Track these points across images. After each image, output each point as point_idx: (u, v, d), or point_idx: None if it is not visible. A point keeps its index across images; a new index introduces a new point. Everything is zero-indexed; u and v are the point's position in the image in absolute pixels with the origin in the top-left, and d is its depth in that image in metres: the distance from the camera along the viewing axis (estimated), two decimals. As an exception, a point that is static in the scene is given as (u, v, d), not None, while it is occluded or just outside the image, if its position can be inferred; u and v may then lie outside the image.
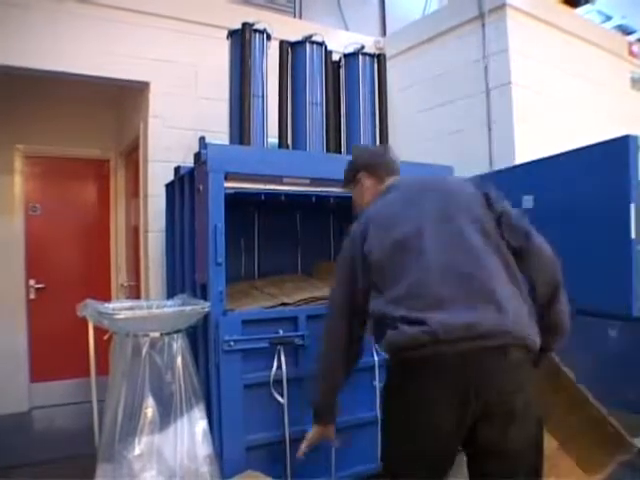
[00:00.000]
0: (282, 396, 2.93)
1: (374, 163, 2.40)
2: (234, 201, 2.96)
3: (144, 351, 2.56)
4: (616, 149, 2.39)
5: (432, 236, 1.95)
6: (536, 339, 1.86)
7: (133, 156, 5.00)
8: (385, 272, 2.01)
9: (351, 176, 2.46)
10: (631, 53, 5.54)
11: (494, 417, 1.78)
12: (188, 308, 2.77)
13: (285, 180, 3.09)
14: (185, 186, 3.31)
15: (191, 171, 3.20)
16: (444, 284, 1.86)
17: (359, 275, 2.12)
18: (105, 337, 2.77)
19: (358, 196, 2.45)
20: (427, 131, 4.89)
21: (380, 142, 3.81)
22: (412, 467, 1.88)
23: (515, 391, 1.80)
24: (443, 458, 1.90)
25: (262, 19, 3.50)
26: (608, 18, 6.34)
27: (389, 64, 4.14)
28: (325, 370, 2.34)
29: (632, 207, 2.30)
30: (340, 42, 3.99)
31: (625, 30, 6.22)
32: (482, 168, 4.10)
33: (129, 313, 2.62)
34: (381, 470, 2.05)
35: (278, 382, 2.92)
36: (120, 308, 2.71)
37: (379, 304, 1.98)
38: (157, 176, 4.14)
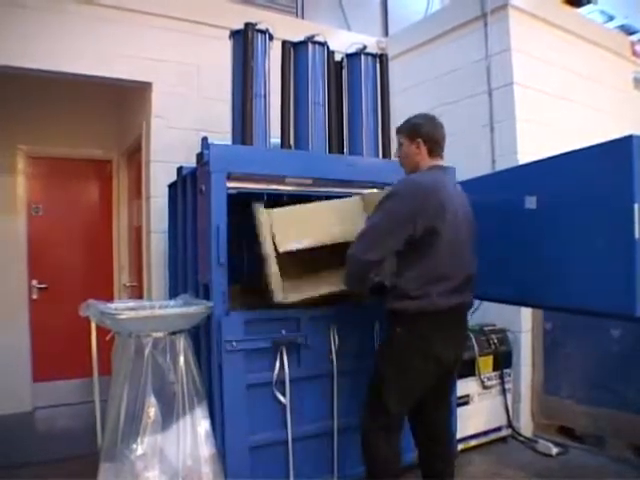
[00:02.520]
0: (284, 396, 2.94)
1: (435, 139, 2.77)
2: (236, 201, 2.96)
3: (147, 351, 2.56)
4: (620, 149, 2.37)
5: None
6: None
7: (135, 156, 5.00)
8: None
9: (412, 134, 2.79)
10: (634, 53, 5.54)
11: None
12: (191, 308, 2.77)
13: (287, 180, 3.09)
14: (187, 186, 3.32)
15: (193, 171, 3.20)
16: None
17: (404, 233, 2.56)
18: (107, 337, 2.77)
19: (411, 156, 2.80)
20: (429, 131, 4.88)
21: (383, 143, 3.79)
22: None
23: None
24: None
25: (264, 19, 3.50)
26: (610, 18, 6.33)
27: (391, 64, 4.14)
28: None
29: (636, 207, 2.29)
30: (342, 42, 3.99)
31: (628, 30, 6.21)
32: (484, 168, 4.11)
33: (132, 313, 2.63)
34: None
35: (280, 382, 2.93)
36: (123, 308, 2.71)
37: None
38: (159, 176, 4.14)
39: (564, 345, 4.09)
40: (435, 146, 2.77)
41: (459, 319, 2.74)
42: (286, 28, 3.95)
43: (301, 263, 3.14)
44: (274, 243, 2.95)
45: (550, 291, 2.81)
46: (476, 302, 3.97)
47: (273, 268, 2.92)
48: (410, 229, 2.53)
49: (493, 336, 4.06)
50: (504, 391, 4.10)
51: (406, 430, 2.84)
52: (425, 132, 2.76)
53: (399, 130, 2.88)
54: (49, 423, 4.84)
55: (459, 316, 2.73)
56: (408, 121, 2.86)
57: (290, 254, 2.98)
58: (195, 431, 2.64)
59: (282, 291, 2.92)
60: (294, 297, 2.97)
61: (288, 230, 3.01)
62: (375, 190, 3.41)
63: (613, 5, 6.37)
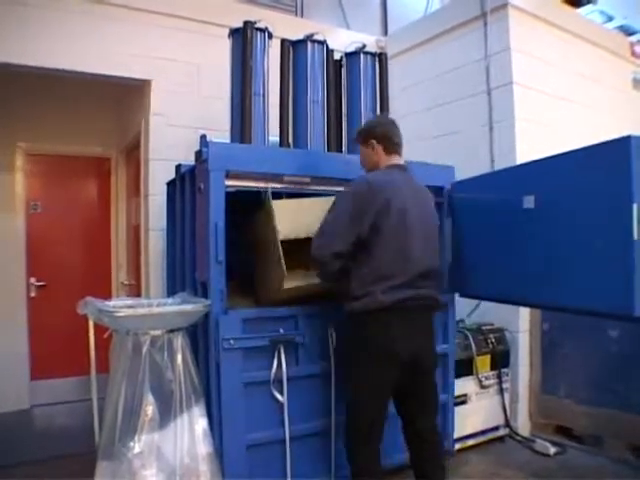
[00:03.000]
0: (282, 395, 2.93)
1: (388, 137, 2.87)
2: (235, 199, 2.96)
3: (144, 349, 2.56)
4: (618, 149, 2.37)
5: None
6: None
7: (134, 154, 5.00)
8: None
9: (365, 138, 2.91)
10: (633, 54, 5.54)
11: None
12: (188, 306, 2.77)
13: (286, 178, 3.09)
14: (186, 184, 3.31)
15: (192, 169, 3.20)
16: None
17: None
18: (105, 335, 2.77)
19: (369, 158, 2.92)
20: (428, 130, 4.89)
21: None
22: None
23: None
24: None
25: (264, 17, 3.50)
26: (610, 18, 6.34)
27: (391, 63, 4.14)
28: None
29: (635, 207, 2.30)
30: (342, 41, 3.99)
31: (627, 30, 6.22)
32: (483, 168, 4.10)
33: (129, 311, 2.62)
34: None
35: (278, 381, 2.93)
36: (121, 306, 2.71)
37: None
38: (158, 174, 4.14)
39: (562, 345, 4.10)
40: (390, 144, 2.86)
41: (414, 315, 2.70)
42: (285, 27, 3.95)
43: (290, 257, 3.13)
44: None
45: (548, 291, 2.81)
46: (474, 302, 3.99)
47: (281, 253, 2.90)
48: (357, 227, 2.62)
49: (491, 336, 4.06)
50: (502, 390, 4.10)
51: (398, 430, 2.88)
52: (378, 132, 2.88)
53: (355, 140, 3.05)
54: (47, 421, 4.83)
55: (413, 311, 2.69)
56: (361, 127, 3.08)
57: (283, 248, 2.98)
58: (192, 429, 2.64)
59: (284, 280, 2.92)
60: (294, 283, 2.97)
61: (286, 220, 3.01)
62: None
63: (612, 6, 6.38)
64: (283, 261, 2.85)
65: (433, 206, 2.97)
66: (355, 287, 2.67)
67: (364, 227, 2.60)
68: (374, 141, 2.85)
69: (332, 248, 2.63)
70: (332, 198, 2.89)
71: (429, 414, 2.86)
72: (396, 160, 2.87)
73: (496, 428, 4.09)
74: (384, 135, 2.86)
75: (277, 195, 3.17)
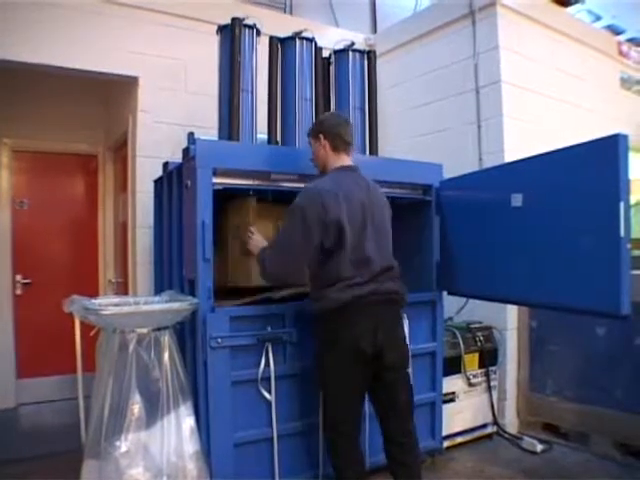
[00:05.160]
0: (270, 393, 2.93)
1: (337, 132, 2.80)
2: (222, 197, 2.95)
3: (131, 347, 2.55)
4: (606, 147, 2.39)
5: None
6: None
7: (122, 151, 4.97)
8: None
9: (315, 131, 2.88)
10: (621, 53, 5.58)
11: None
12: (176, 304, 2.76)
13: (273, 176, 3.08)
14: (173, 182, 3.29)
15: (179, 167, 3.18)
16: None
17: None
18: (92, 333, 2.75)
19: (317, 153, 2.88)
20: (417, 128, 4.90)
21: (370, 139, 3.79)
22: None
23: None
24: None
25: (252, 14, 3.49)
26: (598, 18, 6.38)
27: (379, 61, 4.14)
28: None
29: (621, 205, 2.31)
30: (330, 38, 3.98)
31: (615, 30, 6.27)
32: (471, 166, 4.12)
33: (116, 309, 2.60)
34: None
35: (266, 379, 2.92)
36: (107, 304, 2.69)
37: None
38: (146, 171, 4.11)
39: (550, 343, 4.12)
40: (338, 141, 2.80)
41: (376, 309, 2.64)
42: (274, 24, 3.94)
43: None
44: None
45: (535, 289, 2.83)
46: (462, 300, 4.00)
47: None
48: (310, 244, 2.61)
49: (479, 333, 4.07)
50: (490, 388, 4.12)
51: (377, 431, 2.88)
52: (327, 126, 2.83)
53: (308, 134, 2.99)
54: (33, 420, 4.80)
55: (375, 306, 2.64)
56: (314, 122, 3.06)
57: None
58: (180, 428, 2.63)
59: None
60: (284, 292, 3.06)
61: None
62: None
63: (601, 5, 6.41)
64: None
65: (385, 201, 2.92)
66: (314, 289, 2.74)
67: (316, 242, 2.60)
68: (321, 135, 2.81)
69: (288, 267, 2.70)
70: None
71: (400, 416, 2.78)
72: (344, 161, 2.83)
73: (484, 426, 4.11)
74: (333, 131, 2.80)
75: (264, 193, 3.17)
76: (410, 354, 2.90)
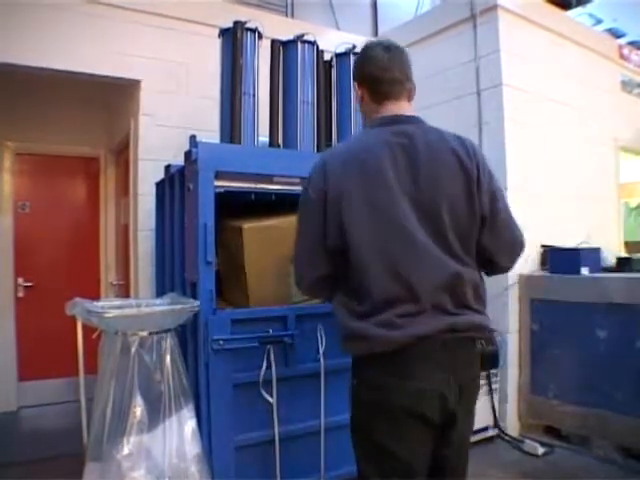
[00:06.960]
0: (271, 395, 2.93)
1: (372, 76, 1.92)
2: (223, 200, 2.95)
3: (133, 350, 2.55)
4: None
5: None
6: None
7: (123, 154, 4.98)
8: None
9: (354, 76, 2.03)
10: (621, 56, 5.59)
11: None
12: (177, 307, 2.76)
13: (275, 179, 3.08)
14: (175, 185, 3.30)
15: (181, 169, 3.19)
16: None
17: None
18: (94, 336, 2.75)
19: (360, 107, 2.07)
20: (418, 131, 4.89)
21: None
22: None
23: None
24: None
25: (254, 18, 3.49)
26: (599, 21, 6.40)
27: (381, 64, 4.13)
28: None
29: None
30: (332, 42, 3.98)
31: (616, 33, 6.29)
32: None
33: (118, 311, 2.61)
34: None
35: (267, 381, 2.92)
36: (109, 306, 2.69)
37: None
38: (147, 174, 4.13)
39: (551, 346, 4.11)
40: (376, 86, 1.91)
41: (446, 352, 1.85)
42: (276, 27, 3.95)
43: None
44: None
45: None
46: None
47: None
48: (322, 231, 1.78)
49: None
50: (491, 391, 4.11)
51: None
52: (361, 70, 1.98)
53: (353, 79, 2.05)
54: (34, 422, 4.81)
55: (445, 349, 1.84)
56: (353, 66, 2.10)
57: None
58: (181, 430, 2.63)
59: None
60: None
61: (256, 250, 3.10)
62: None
63: (602, 8, 6.43)
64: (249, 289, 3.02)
65: (467, 163, 1.82)
66: (340, 320, 1.83)
67: (332, 233, 1.75)
68: (356, 84, 1.99)
69: (309, 277, 1.89)
70: None
71: None
72: (390, 109, 1.90)
73: (485, 429, 4.10)
74: (369, 75, 1.92)
75: (266, 196, 3.17)
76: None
